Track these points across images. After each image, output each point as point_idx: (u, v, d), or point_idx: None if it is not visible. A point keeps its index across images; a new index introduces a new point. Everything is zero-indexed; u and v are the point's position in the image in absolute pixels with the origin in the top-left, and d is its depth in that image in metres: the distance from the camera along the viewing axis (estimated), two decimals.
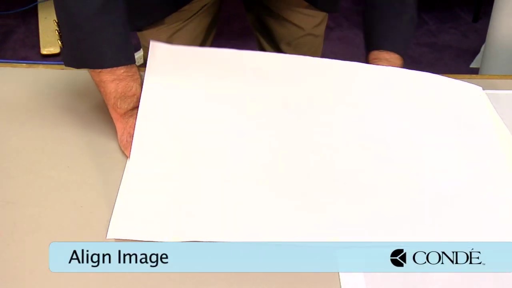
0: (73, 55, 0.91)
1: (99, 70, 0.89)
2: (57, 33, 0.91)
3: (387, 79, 1.03)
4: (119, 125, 0.92)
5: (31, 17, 2.83)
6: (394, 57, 1.08)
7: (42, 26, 2.74)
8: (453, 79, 1.05)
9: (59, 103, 1.03)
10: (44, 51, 2.59)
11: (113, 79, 0.90)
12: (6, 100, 1.04)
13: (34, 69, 1.13)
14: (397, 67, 1.07)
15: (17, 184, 0.86)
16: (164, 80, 0.96)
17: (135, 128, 0.89)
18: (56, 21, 0.90)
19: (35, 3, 2.86)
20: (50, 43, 2.62)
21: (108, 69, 0.89)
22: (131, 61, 0.92)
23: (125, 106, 0.91)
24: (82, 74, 1.11)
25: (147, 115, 0.91)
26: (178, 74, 0.97)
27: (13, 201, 0.83)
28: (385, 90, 1.01)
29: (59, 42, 0.92)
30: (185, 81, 0.97)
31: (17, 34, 2.76)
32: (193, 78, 0.98)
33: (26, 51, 2.65)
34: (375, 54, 1.09)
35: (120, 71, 0.90)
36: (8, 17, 2.84)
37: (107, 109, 0.94)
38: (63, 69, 1.13)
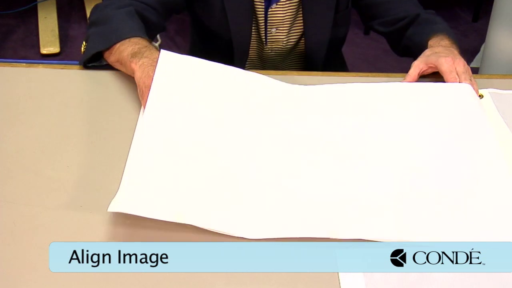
0: (100, 40, 1.09)
1: (119, 43, 1.05)
2: (83, 45, 1.14)
3: (384, 93, 1.05)
4: (136, 76, 1.01)
5: (31, 16, 2.83)
6: (447, 42, 1.17)
7: (42, 25, 2.73)
8: (441, 83, 1.06)
9: (58, 102, 1.03)
10: (44, 50, 2.59)
11: (129, 45, 1.05)
12: (5, 100, 1.04)
13: (33, 68, 1.13)
14: (453, 48, 1.14)
15: (16, 183, 0.86)
16: (171, 89, 0.96)
17: (136, 127, 0.89)
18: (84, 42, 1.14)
19: (35, 3, 2.86)
20: (49, 43, 2.62)
21: (127, 40, 1.05)
22: (146, 36, 1.08)
23: (139, 57, 1.01)
24: (82, 73, 1.11)
25: (151, 116, 0.91)
26: (185, 85, 0.98)
27: (12, 201, 0.83)
28: (384, 102, 1.03)
29: (82, 48, 1.14)
30: (190, 92, 0.98)
31: (16, 34, 2.76)
32: (198, 91, 0.98)
33: (26, 50, 2.65)
34: (430, 44, 1.17)
35: (135, 39, 1.06)
36: (8, 16, 2.84)
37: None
38: (62, 68, 1.13)
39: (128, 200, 0.78)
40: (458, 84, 1.05)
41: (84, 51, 1.12)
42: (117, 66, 1.08)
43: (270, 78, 1.05)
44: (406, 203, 0.84)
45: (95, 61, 1.11)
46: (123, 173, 0.83)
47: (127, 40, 1.05)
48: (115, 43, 1.06)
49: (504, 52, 2.11)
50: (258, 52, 1.34)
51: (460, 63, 1.08)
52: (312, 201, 0.83)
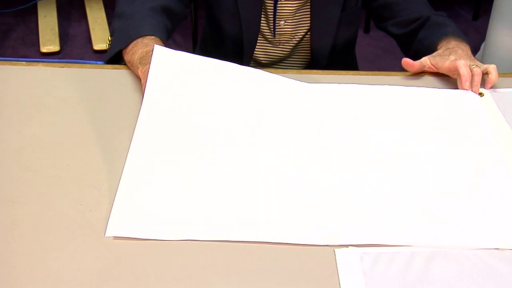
0: (121, 37, 1.12)
1: (133, 44, 1.08)
2: (108, 40, 1.18)
3: (387, 97, 1.05)
4: (142, 82, 1.02)
5: (31, 15, 2.82)
6: (460, 43, 1.18)
7: (42, 24, 2.73)
8: (449, 90, 1.07)
9: (58, 101, 1.03)
10: (44, 49, 2.59)
11: (140, 47, 1.07)
12: (5, 98, 1.04)
13: (33, 67, 1.13)
14: (459, 47, 1.15)
15: (16, 182, 0.86)
16: (166, 85, 0.97)
17: (135, 129, 0.90)
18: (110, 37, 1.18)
19: (35, 2, 2.86)
20: (49, 41, 2.62)
21: (140, 40, 1.08)
22: (163, 37, 1.11)
23: (143, 64, 1.03)
24: (82, 72, 1.11)
25: (148, 115, 0.92)
26: (179, 80, 0.99)
27: (12, 200, 0.83)
28: (386, 106, 1.03)
29: (108, 42, 1.20)
30: (186, 87, 0.98)
31: (16, 32, 2.75)
32: (194, 85, 0.99)
33: (26, 49, 2.65)
34: (443, 46, 1.18)
35: (148, 39, 1.08)
36: (8, 15, 2.84)
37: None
38: (62, 67, 1.13)
39: (124, 222, 0.79)
40: (462, 91, 1.06)
41: (108, 49, 1.16)
42: (129, 66, 1.10)
43: (266, 73, 1.05)
44: (406, 207, 0.83)
45: (117, 61, 1.13)
46: (116, 192, 0.83)
47: (141, 40, 1.08)
48: (132, 41, 1.08)
49: (504, 51, 2.11)
50: (265, 46, 1.35)
51: (462, 59, 1.09)
52: (311, 207, 0.83)
